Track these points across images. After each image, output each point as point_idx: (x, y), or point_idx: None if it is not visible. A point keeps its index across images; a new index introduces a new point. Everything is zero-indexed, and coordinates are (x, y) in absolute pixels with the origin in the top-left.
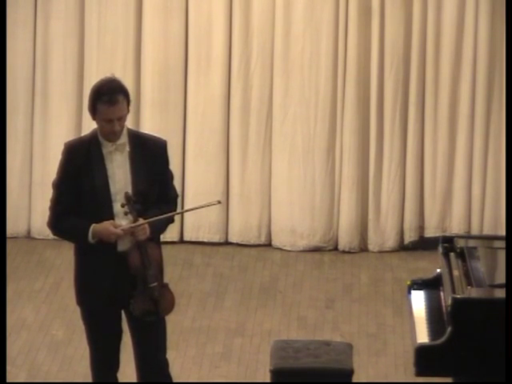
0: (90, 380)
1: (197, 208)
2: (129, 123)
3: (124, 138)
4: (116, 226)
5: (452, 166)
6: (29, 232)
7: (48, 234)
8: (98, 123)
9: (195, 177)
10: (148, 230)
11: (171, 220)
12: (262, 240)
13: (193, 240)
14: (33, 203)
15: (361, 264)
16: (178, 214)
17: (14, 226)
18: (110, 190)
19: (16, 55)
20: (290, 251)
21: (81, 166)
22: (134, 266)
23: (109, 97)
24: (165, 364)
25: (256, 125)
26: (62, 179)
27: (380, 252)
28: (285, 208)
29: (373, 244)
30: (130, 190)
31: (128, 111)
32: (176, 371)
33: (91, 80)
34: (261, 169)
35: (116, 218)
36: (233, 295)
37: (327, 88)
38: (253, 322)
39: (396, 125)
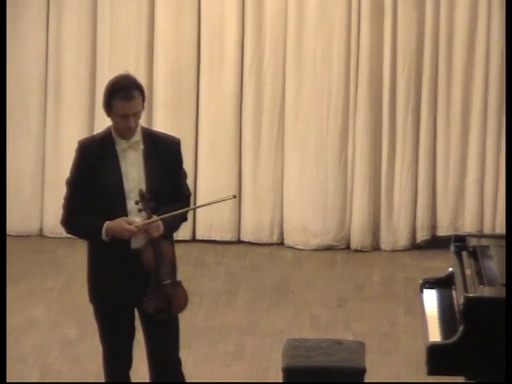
0: (102, 379)
1: (212, 203)
2: (141, 122)
3: (138, 136)
4: (130, 223)
5: (465, 165)
6: (41, 231)
7: (60, 232)
8: (113, 120)
9: (207, 176)
10: (162, 228)
11: (184, 218)
12: (274, 239)
13: (205, 239)
14: (45, 202)
15: (373, 263)
16: (192, 209)
17: (26, 224)
18: (124, 188)
19: (29, 54)
20: (302, 250)
21: (94, 163)
22: (147, 263)
23: (124, 92)
24: (178, 363)
25: (268, 124)
26: (75, 177)
27: (392, 251)
28: (297, 207)
29: (385, 243)
30: (143, 188)
31: (143, 108)
32: (188, 370)
33: (104, 79)
34: (273, 168)
35: (129, 215)
36: (245, 294)
37: (339, 87)
38: (265, 321)
39: (408, 123)
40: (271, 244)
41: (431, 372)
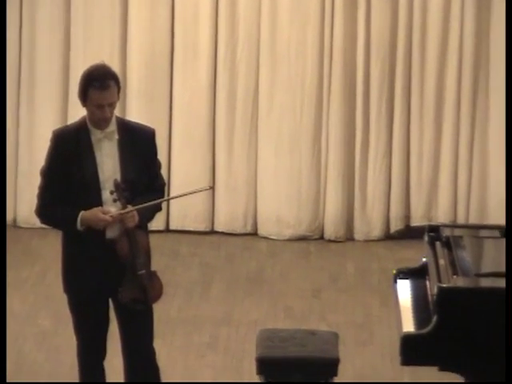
0: (76, 370)
1: (188, 193)
2: (116, 113)
3: (113, 126)
4: (105, 213)
5: (438, 156)
6: (15, 221)
7: (34, 222)
8: (88, 110)
9: (181, 166)
10: (137, 218)
11: (159, 208)
12: (248, 229)
13: (179, 229)
14: (19, 192)
15: (347, 253)
16: (168, 199)
17: None
18: (99, 178)
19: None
20: (276, 240)
21: (69, 153)
22: (122, 253)
23: (100, 82)
24: (152, 353)
25: (242, 114)
26: (50, 167)
27: (366, 241)
28: (271, 197)
29: (359, 233)
30: (118, 178)
31: (118, 98)
32: (162, 361)
33: (77, 70)
34: (247, 158)
35: (104, 205)
36: (219, 285)
37: (313, 78)
38: (239, 312)
39: (382, 115)
40: (245, 234)
41: (405, 362)
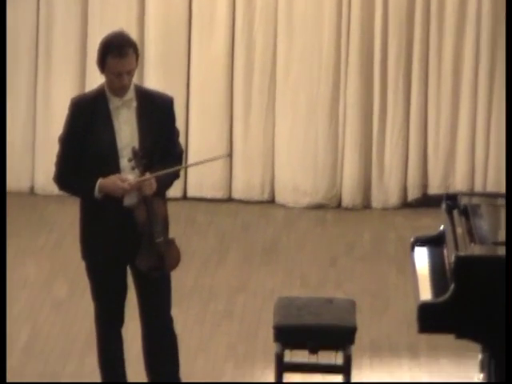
0: (93, 338)
1: (206, 161)
2: (134, 81)
3: (131, 94)
4: (123, 180)
5: (456, 124)
6: (32, 188)
7: (51, 190)
8: (106, 77)
9: (199, 135)
10: (155, 185)
11: (177, 176)
12: (265, 197)
13: (196, 196)
14: (36, 160)
15: (364, 222)
16: (187, 167)
17: (17, 182)
18: (117, 145)
19: (19, 14)
20: (293, 208)
21: (87, 121)
22: (140, 221)
23: (118, 50)
24: (169, 321)
25: (259, 83)
26: (67, 134)
27: (383, 209)
28: (288, 165)
29: (376, 201)
30: (136, 146)
31: (136, 65)
32: (179, 329)
33: (95, 39)
34: (264, 126)
35: (122, 172)
36: (235, 253)
37: (330, 48)
38: (255, 280)
39: (399, 83)
40: (262, 202)
41: (422, 330)
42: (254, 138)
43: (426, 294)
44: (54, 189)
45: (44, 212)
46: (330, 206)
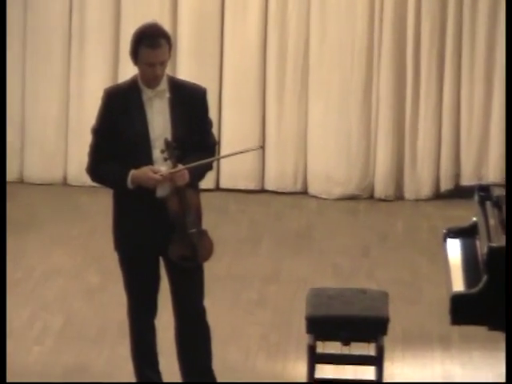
0: (126, 327)
1: (239, 153)
2: (167, 70)
3: (164, 85)
4: (155, 172)
5: (489, 114)
6: (65, 179)
7: (85, 180)
8: (139, 68)
9: (231, 125)
10: (187, 176)
11: (210, 167)
12: (298, 188)
13: (229, 187)
14: (69, 150)
15: (396, 212)
16: (218, 159)
17: (50, 172)
18: (150, 136)
19: (53, 3)
20: (325, 199)
21: (120, 112)
22: (172, 211)
23: (151, 41)
24: (202, 311)
25: (292, 72)
26: (100, 125)
27: (416, 200)
28: (321, 156)
29: (409, 192)
30: (169, 137)
31: (169, 56)
32: (212, 318)
33: (127, 28)
34: (297, 117)
35: (155, 164)
36: (268, 242)
37: (364, 35)
38: (288, 270)
39: (432, 72)
40: (295, 193)
41: (455, 321)
42: (286, 128)
43: (458, 285)
44: (87, 179)
45: (77, 202)
46: (363, 197)
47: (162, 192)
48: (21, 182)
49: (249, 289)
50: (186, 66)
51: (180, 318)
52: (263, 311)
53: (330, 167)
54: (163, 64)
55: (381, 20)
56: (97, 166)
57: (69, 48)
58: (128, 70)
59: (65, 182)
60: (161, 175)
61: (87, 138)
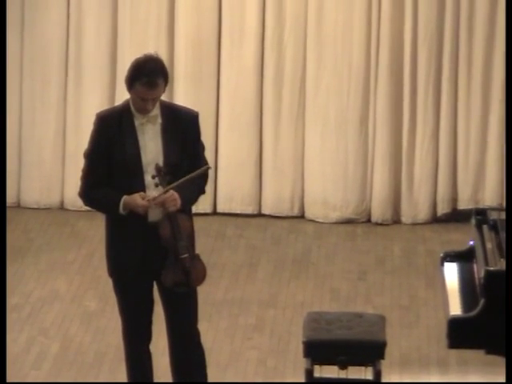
0: (122, 352)
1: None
2: (162, 96)
3: (156, 110)
4: (144, 198)
5: (485, 138)
6: (62, 203)
7: (81, 205)
8: (131, 96)
9: (228, 148)
10: (178, 201)
11: (202, 191)
12: (295, 212)
13: (226, 212)
14: (66, 174)
15: (393, 236)
16: (197, 174)
17: (47, 197)
18: (142, 162)
19: (49, 27)
20: (322, 223)
21: (112, 136)
22: (164, 237)
23: (149, 79)
24: (196, 334)
25: (289, 97)
26: (93, 149)
27: (413, 224)
28: (318, 180)
29: (406, 216)
30: (161, 162)
31: (164, 91)
32: (208, 343)
33: (124, 51)
34: (294, 141)
35: (147, 189)
36: (265, 267)
37: (360, 60)
38: (285, 294)
39: (429, 96)
40: (292, 217)
41: (452, 345)
42: (283, 153)
43: (455, 308)
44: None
45: (74, 227)
46: (360, 221)
47: (153, 217)
48: (17, 206)
49: (246, 313)
50: (183, 91)
51: (174, 341)
52: (260, 336)
53: (327, 191)
54: (156, 99)
55: (377, 45)
56: (89, 190)
57: (66, 72)
58: (125, 95)
59: (62, 207)
60: (147, 200)
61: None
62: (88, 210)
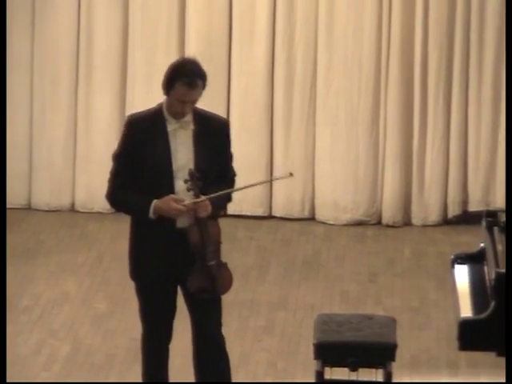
0: (132, 353)
1: (267, 181)
2: None
3: (189, 117)
4: (178, 202)
5: (496, 140)
6: (72, 205)
7: (92, 207)
8: (168, 100)
9: (239, 150)
10: (210, 208)
11: (230, 199)
12: (306, 214)
13: (236, 213)
14: (76, 176)
15: (404, 238)
16: (242, 189)
17: (57, 199)
18: (172, 166)
19: (60, 28)
20: (333, 225)
21: (142, 139)
22: (193, 242)
23: (189, 79)
24: (222, 340)
25: (300, 98)
26: (122, 152)
27: (423, 226)
28: (328, 182)
29: (416, 218)
30: (191, 168)
31: (201, 95)
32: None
33: (135, 53)
34: (304, 142)
35: (176, 194)
36: (276, 269)
37: (371, 61)
38: (296, 296)
39: (439, 98)
40: (302, 219)
41: (462, 347)
42: (294, 155)
43: (466, 310)
44: (94, 206)
45: (84, 229)
46: (370, 223)
47: (182, 223)
48: (28, 208)
49: (256, 315)
50: None
51: (199, 346)
52: (271, 338)
53: (338, 193)
54: (194, 102)
55: (388, 46)
56: (116, 193)
57: (76, 73)
58: (135, 96)
59: (72, 209)
60: (184, 205)
61: (95, 165)
62: (98, 212)
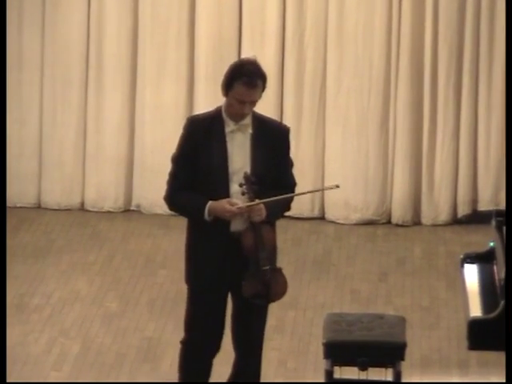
0: (142, 352)
1: (316, 191)
2: (183, 96)
3: (248, 120)
4: (232, 205)
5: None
6: (83, 204)
7: (102, 206)
8: (227, 101)
9: None
10: (264, 212)
11: (288, 207)
12: (316, 213)
13: None
14: (87, 175)
15: (414, 237)
16: (294, 196)
17: (67, 198)
18: (228, 170)
19: (70, 28)
20: (343, 224)
21: (201, 141)
22: (247, 247)
23: (249, 79)
24: (261, 349)
25: (310, 98)
26: (180, 154)
27: (433, 225)
28: (338, 181)
29: (426, 217)
30: (248, 172)
31: (260, 97)
32: (229, 344)
33: (145, 52)
34: (314, 142)
35: (231, 197)
36: (286, 268)
37: (381, 61)
38: (306, 295)
39: (450, 97)
40: (312, 218)
41: (472, 347)
42: (304, 154)
43: (476, 310)
44: (104, 205)
45: (95, 228)
46: (380, 222)
47: (236, 226)
48: (38, 207)
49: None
50: (204, 92)
51: (242, 352)
52: (281, 337)
53: (348, 193)
54: (253, 103)
55: (398, 45)
56: (175, 194)
57: (86, 73)
58: (146, 96)
59: (82, 208)
60: (237, 208)
61: (105, 164)
62: (109, 211)
